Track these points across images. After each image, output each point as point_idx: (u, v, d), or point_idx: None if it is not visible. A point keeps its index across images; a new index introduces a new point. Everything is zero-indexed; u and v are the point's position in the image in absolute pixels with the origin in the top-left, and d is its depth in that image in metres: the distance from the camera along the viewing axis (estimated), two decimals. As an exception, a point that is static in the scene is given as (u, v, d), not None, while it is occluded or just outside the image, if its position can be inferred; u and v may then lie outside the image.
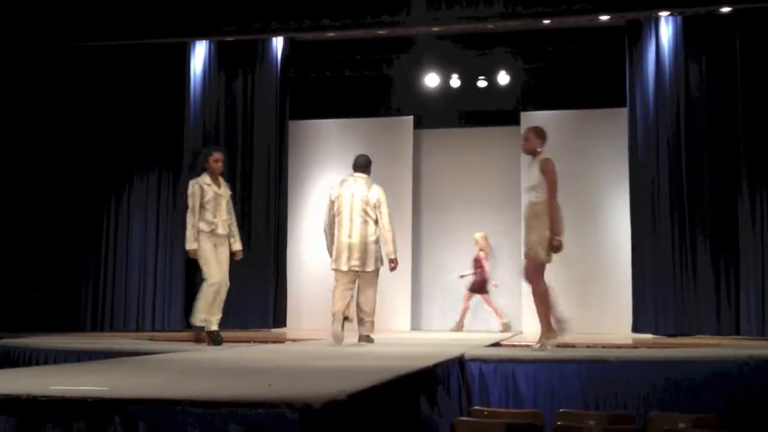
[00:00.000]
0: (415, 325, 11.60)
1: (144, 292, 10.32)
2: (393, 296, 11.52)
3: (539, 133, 6.44)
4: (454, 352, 5.38)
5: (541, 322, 6.16)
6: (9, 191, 10.05)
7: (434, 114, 12.00)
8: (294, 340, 7.87)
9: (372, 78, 11.73)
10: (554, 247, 6.07)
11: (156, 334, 9.18)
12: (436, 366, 4.52)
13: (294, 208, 11.35)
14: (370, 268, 6.93)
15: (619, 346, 7.02)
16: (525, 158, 11.12)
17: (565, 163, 11.00)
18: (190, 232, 6.63)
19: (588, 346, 6.75)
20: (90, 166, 10.43)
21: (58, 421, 2.50)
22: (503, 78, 11.35)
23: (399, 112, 11.97)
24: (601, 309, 10.40)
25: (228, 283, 6.78)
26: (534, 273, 6.15)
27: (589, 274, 10.63)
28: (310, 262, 11.30)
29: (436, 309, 11.76)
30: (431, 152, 12.15)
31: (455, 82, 11.55)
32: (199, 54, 10.71)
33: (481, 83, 11.49)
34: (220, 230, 6.69)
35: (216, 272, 6.61)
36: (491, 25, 10.15)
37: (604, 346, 6.84)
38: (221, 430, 2.40)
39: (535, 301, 6.17)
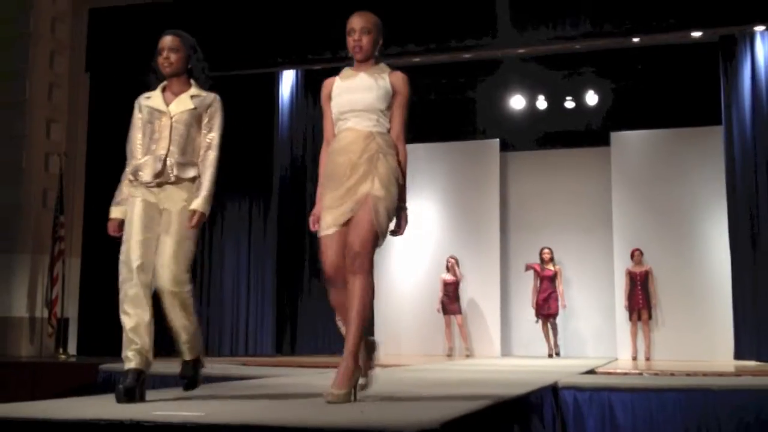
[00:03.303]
0: (506, 351, 11.43)
1: (237, 318, 10.51)
2: (483, 321, 11.43)
3: (382, 30, 3.96)
4: (547, 380, 5.26)
5: (355, 341, 3.70)
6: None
7: (520, 136, 11.89)
8: (383, 366, 7.84)
9: (457, 101, 11.74)
10: (404, 218, 3.87)
11: (248, 359, 9.33)
12: (529, 394, 4.43)
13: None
14: None
15: (721, 374, 6.75)
16: (616, 176, 11.13)
17: (659, 184, 10.81)
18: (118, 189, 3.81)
19: (688, 374, 6.52)
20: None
21: (159, 447, 2.56)
22: (591, 98, 11.19)
23: (485, 135, 11.91)
24: (701, 335, 10.02)
25: (166, 282, 3.79)
26: (370, 251, 3.77)
27: (688, 298, 10.29)
28: (399, 285, 11.32)
29: (527, 334, 11.55)
30: (518, 175, 12.04)
31: (541, 103, 11.44)
32: (287, 82, 10.95)
33: (569, 104, 11.35)
34: (146, 174, 3.75)
35: (126, 250, 3.76)
36: (578, 45, 10.00)
37: (705, 374, 6.58)
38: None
39: (359, 301, 3.79)
